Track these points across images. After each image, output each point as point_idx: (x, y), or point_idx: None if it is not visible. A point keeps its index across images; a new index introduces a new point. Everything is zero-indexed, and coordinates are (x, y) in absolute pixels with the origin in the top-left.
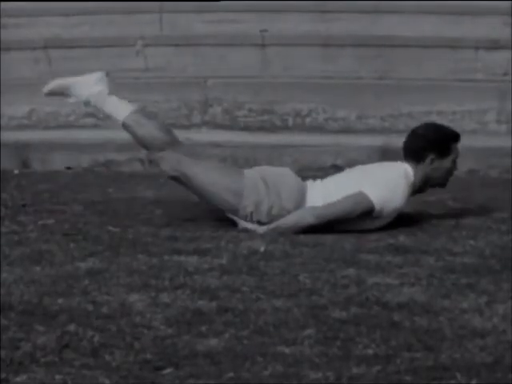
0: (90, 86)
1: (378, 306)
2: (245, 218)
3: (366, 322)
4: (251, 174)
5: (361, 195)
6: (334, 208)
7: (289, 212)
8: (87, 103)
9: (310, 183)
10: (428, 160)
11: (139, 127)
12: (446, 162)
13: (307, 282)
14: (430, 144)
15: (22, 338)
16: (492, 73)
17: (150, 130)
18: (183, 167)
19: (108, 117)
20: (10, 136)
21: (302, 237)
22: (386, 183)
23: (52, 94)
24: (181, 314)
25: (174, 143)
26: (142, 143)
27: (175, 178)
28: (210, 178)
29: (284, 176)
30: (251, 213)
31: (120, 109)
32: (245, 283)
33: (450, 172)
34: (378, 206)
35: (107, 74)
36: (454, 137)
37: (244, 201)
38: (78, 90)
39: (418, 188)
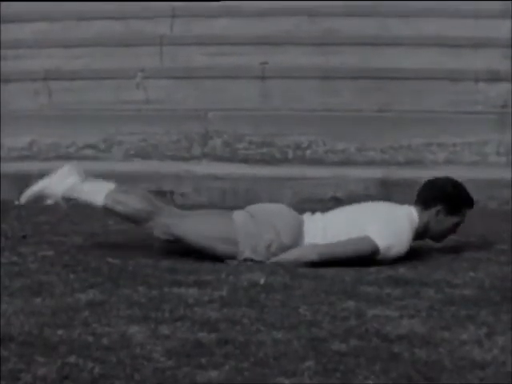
0: (62, 181)
1: (378, 338)
2: (244, 261)
3: (366, 353)
4: (241, 217)
5: (367, 240)
6: (337, 248)
7: (287, 247)
8: (64, 199)
9: (307, 216)
10: (434, 210)
11: (121, 206)
12: (450, 221)
13: (307, 314)
14: (444, 196)
15: (23, 369)
16: (492, 105)
17: (131, 205)
18: (173, 230)
19: (88, 204)
20: (10, 167)
21: (301, 269)
22: (392, 228)
23: (30, 201)
24: (181, 346)
25: (158, 209)
26: (128, 220)
27: (169, 241)
28: (202, 232)
29: (279, 212)
30: (249, 258)
31: (97, 194)
32: (245, 315)
33: (448, 231)
34: (382, 250)
35: (76, 165)
36: (469, 202)
37: (240, 247)
38: (53, 189)
39: (418, 234)
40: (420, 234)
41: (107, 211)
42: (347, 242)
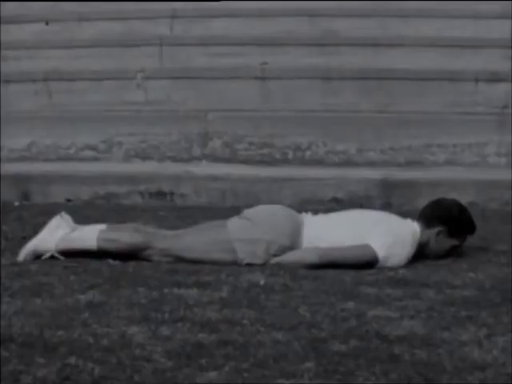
0: (51, 235)
1: (378, 338)
2: (244, 265)
3: (366, 354)
4: (235, 224)
5: (368, 248)
6: (338, 253)
7: (287, 248)
8: (59, 251)
9: (307, 217)
10: (436, 230)
11: (114, 243)
12: (448, 243)
13: (307, 315)
14: (447, 218)
15: (23, 370)
16: (492, 105)
17: (124, 240)
18: (170, 251)
19: (82, 250)
20: (10, 168)
21: (301, 270)
22: (394, 240)
23: (26, 259)
24: (181, 347)
25: (150, 236)
26: (125, 254)
27: (170, 262)
28: (199, 248)
29: (277, 213)
30: (250, 264)
31: (88, 239)
32: (245, 316)
33: (445, 253)
34: (382, 259)
35: (63, 216)
36: (471, 228)
37: (239, 255)
38: (45, 245)
39: (419, 249)
40: (420, 249)
41: (103, 252)
42: (348, 248)
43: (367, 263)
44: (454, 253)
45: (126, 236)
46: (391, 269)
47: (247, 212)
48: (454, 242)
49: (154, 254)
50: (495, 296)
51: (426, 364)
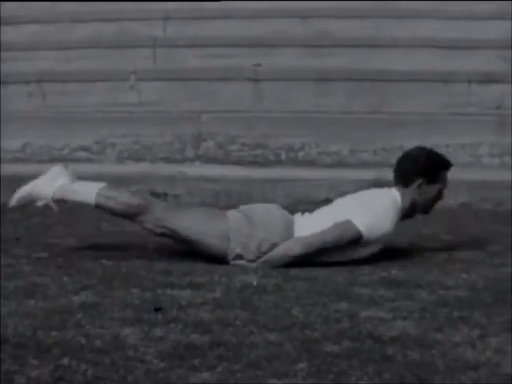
0: (51, 182)
1: (371, 339)
2: (234, 259)
3: (359, 355)
4: (234, 215)
5: (347, 224)
6: (320, 236)
7: (277, 246)
8: (55, 200)
9: (297, 217)
10: (416, 184)
11: (112, 201)
12: (433, 190)
13: (300, 315)
14: (420, 168)
15: (16, 370)
16: (485, 106)
17: (123, 199)
18: (166, 223)
19: (79, 204)
20: (4, 169)
21: (294, 271)
22: (373, 210)
23: (20, 203)
24: (174, 348)
25: (150, 203)
26: (120, 215)
27: (162, 234)
28: (195, 226)
29: (270, 212)
30: (239, 255)
31: (87, 193)
32: (238, 317)
33: (434, 200)
34: (365, 233)
35: (66, 166)
36: (445, 164)
37: (231, 243)
38: (42, 190)
39: (406, 213)
40: (408, 212)
41: (99, 208)
42: (331, 228)
43: (352, 239)
44: (442, 196)
45: (125, 195)
46: (384, 269)
47: (243, 208)
48: (437, 186)
49: (148, 221)
50: (488, 296)
51: (418, 364)
